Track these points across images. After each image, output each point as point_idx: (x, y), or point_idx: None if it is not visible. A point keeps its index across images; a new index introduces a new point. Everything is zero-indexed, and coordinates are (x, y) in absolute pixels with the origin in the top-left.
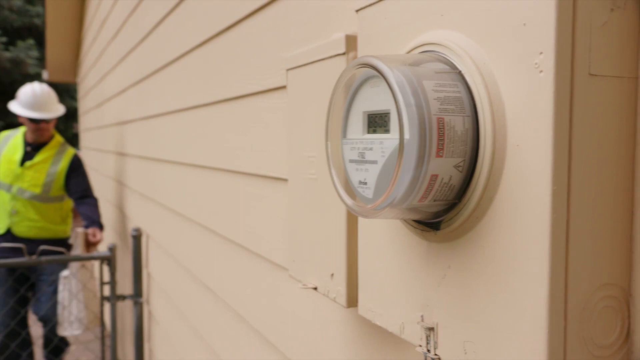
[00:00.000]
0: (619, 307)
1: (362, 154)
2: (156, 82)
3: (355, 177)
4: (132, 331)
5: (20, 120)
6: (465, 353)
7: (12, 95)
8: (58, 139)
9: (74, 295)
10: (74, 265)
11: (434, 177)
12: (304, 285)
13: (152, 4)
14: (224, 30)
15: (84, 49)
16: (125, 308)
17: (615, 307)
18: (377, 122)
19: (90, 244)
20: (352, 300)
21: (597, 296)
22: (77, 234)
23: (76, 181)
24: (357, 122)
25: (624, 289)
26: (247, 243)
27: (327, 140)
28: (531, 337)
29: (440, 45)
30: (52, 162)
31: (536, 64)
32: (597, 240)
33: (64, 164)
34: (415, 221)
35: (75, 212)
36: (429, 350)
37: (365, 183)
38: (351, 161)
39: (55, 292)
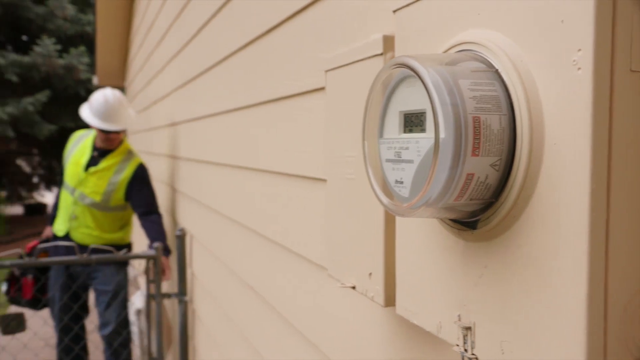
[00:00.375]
0: None
1: (398, 154)
2: (200, 85)
3: (391, 177)
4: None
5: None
6: (503, 353)
7: (65, 101)
8: (126, 146)
9: (148, 330)
10: (142, 299)
11: (470, 176)
12: (342, 284)
13: (196, 9)
14: (264, 34)
15: (131, 54)
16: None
17: None
18: (413, 122)
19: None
20: (389, 300)
21: (639, 298)
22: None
23: (139, 194)
24: (393, 122)
25: None
26: (288, 243)
27: (363, 140)
28: (570, 337)
29: (477, 44)
30: (115, 171)
31: (574, 61)
32: (638, 240)
33: (126, 173)
34: (452, 220)
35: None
36: (466, 350)
37: (402, 182)
38: (387, 160)
39: (113, 298)
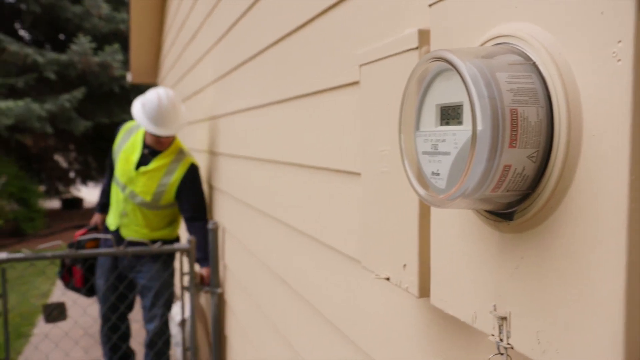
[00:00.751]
0: None
1: (435, 146)
2: (233, 80)
3: (428, 168)
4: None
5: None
6: (539, 342)
7: (100, 97)
8: (177, 145)
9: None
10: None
11: (507, 168)
12: (376, 275)
13: (229, 5)
14: (298, 28)
15: (163, 51)
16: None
17: None
18: (449, 114)
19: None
20: (424, 291)
21: None
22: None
23: (188, 198)
24: (430, 115)
25: None
26: (321, 235)
27: (400, 132)
28: (608, 329)
29: (514, 37)
30: (165, 172)
31: (614, 52)
32: None
33: (177, 175)
34: (488, 212)
35: None
36: (501, 340)
37: (438, 174)
38: (424, 153)
39: (158, 295)
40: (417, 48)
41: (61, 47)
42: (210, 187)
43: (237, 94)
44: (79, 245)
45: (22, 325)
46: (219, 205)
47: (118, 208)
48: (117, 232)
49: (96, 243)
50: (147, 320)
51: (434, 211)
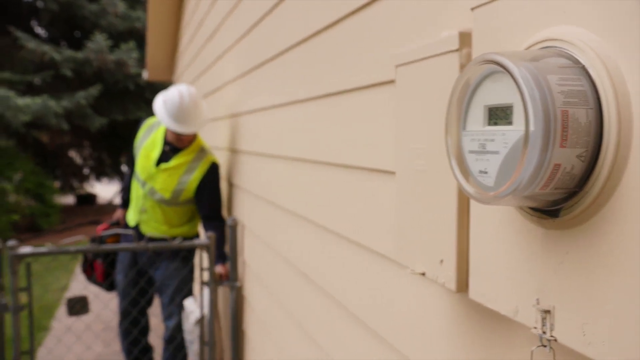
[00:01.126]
0: None
1: (482, 145)
2: (258, 77)
3: (475, 167)
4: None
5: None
6: (584, 335)
7: (115, 95)
8: (198, 142)
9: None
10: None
11: (557, 167)
12: (412, 271)
13: (253, 3)
14: (330, 26)
15: (180, 49)
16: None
17: None
18: (498, 115)
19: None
20: (461, 285)
21: None
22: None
23: (207, 196)
24: (477, 115)
25: None
26: (348, 232)
27: (446, 132)
28: None
29: (562, 40)
30: (186, 169)
31: None
32: None
33: (198, 173)
34: (532, 209)
35: None
36: (544, 332)
37: (486, 172)
38: (471, 152)
39: (177, 293)
40: (457, 50)
41: (77, 44)
42: (230, 184)
43: (263, 91)
44: (101, 240)
45: (42, 318)
46: (238, 202)
47: (138, 204)
48: (136, 228)
49: (117, 238)
50: (166, 316)
51: (474, 208)
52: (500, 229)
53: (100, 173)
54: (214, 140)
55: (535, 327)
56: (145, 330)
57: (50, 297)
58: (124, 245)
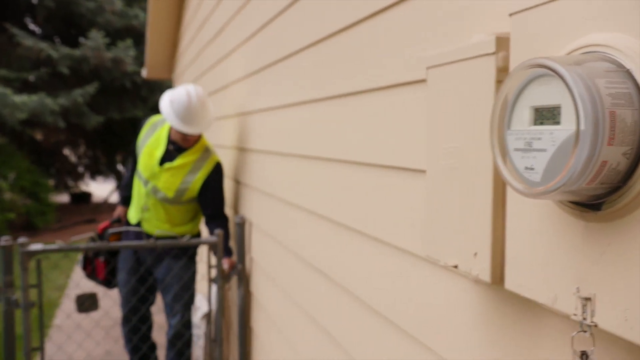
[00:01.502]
0: None
1: (529, 143)
2: (270, 76)
3: (520, 164)
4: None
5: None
6: (626, 320)
7: (112, 93)
8: (203, 142)
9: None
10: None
11: (604, 164)
12: (444, 263)
13: (262, 3)
14: (348, 27)
15: (180, 47)
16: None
17: None
18: (544, 115)
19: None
20: (495, 277)
21: None
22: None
23: (211, 196)
24: (522, 115)
25: None
26: (369, 229)
27: (491, 132)
28: None
29: (606, 46)
30: (190, 169)
31: None
32: None
33: (202, 173)
34: (572, 202)
35: None
36: (584, 319)
37: (533, 169)
38: (516, 150)
39: (181, 293)
40: (493, 53)
41: (74, 42)
42: (237, 182)
43: (276, 90)
44: (103, 238)
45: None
46: (246, 200)
47: (139, 202)
48: (138, 226)
49: (119, 236)
50: (171, 315)
51: (511, 203)
52: (539, 222)
53: (95, 171)
54: (220, 139)
55: (575, 314)
56: (149, 328)
57: (48, 296)
58: (133, 242)
